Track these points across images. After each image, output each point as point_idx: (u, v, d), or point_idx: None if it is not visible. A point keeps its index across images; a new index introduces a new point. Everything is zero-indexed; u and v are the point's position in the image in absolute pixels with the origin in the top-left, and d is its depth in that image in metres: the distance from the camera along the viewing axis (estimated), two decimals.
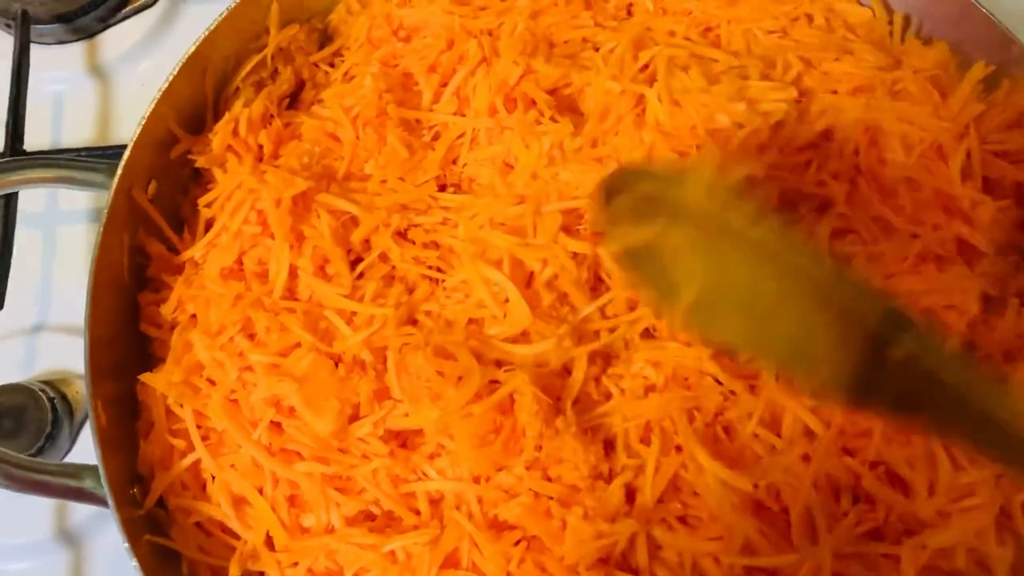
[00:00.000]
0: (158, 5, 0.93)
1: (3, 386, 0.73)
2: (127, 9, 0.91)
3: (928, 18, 0.74)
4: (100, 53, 0.91)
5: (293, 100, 0.73)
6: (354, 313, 0.61)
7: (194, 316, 0.62)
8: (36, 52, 0.88)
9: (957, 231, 0.63)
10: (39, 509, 0.71)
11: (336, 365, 0.59)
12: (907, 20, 0.74)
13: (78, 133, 0.88)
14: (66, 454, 0.74)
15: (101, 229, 0.61)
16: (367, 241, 0.64)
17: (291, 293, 0.62)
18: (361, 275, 0.63)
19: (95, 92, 0.90)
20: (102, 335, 0.61)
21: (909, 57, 0.71)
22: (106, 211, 0.61)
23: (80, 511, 0.71)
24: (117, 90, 0.90)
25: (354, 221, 0.64)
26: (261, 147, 0.68)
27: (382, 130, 0.67)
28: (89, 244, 0.81)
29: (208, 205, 0.65)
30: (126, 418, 0.61)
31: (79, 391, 0.75)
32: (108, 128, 0.88)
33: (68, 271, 0.81)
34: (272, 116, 0.69)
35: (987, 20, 0.69)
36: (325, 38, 0.76)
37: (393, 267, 0.63)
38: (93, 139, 0.87)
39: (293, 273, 0.62)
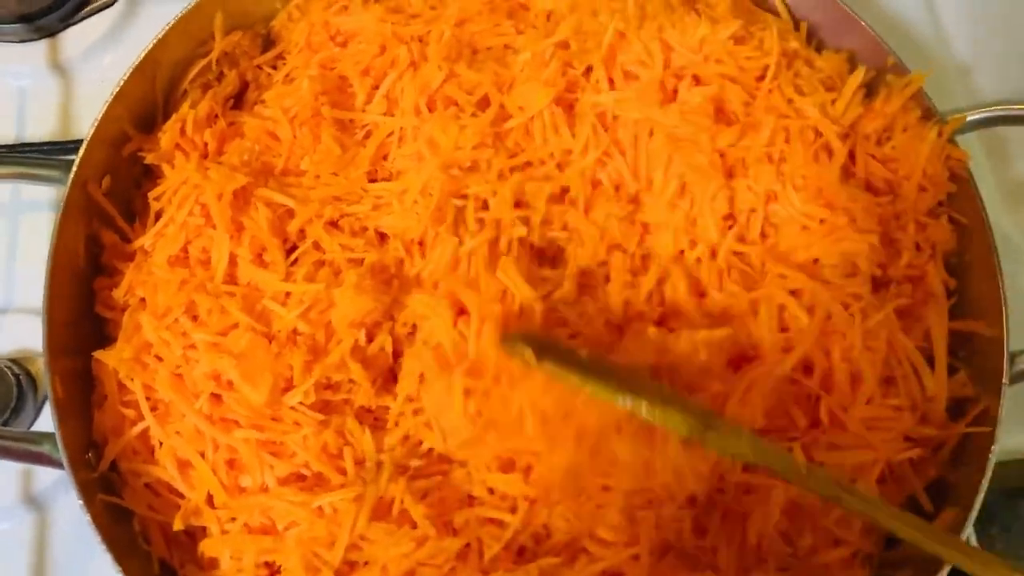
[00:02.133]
0: (117, 6, 0.97)
1: None
2: (87, 9, 0.96)
3: (820, 28, 0.81)
4: (62, 51, 0.96)
5: (238, 100, 0.79)
6: (288, 294, 0.67)
7: (143, 299, 0.68)
8: (0, 49, 0.93)
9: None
10: (6, 476, 0.77)
11: (270, 342, 0.65)
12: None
13: (40, 127, 0.93)
14: (30, 425, 0.80)
15: (58, 221, 0.67)
16: (302, 231, 0.70)
17: (231, 279, 0.69)
18: (295, 262, 0.69)
19: (57, 88, 0.95)
20: (60, 317, 0.67)
21: (811, 59, 0.78)
22: (62, 204, 0.67)
23: (44, 479, 0.77)
24: (78, 86, 0.95)
25: (290, 213, 0.70)
26: (207, 145, 0.74)
27: (317, 130, 0.73)
28: (51, 233, 0.87)
29: (157, 198, 0.71)
30: (82, 391, 0.68)
31: (42, 368, 0.81)
32: (69, 122, 0.93)
33: (31, 258, 0.86)
34: (217, 116, 0.75)
35: (868, 32, 0.76)
36: (268, 42, 0.82)
37: (324, 253, 0.70)
38: (55, 133, 0.92)
39: (233, 261, 0.69)
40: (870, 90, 0.76)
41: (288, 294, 0.67)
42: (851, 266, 0.70)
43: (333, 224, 0.71)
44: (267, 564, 0.63)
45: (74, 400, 0.66)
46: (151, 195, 0.72)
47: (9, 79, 0.94)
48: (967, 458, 0.66)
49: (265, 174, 0.72)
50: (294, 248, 0.70)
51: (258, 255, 0.69)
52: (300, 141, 0.73)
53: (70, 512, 0.77)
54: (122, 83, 0.72)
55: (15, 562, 0.76)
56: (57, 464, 0.62)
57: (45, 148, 0.87)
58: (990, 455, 0.64)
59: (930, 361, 0.69)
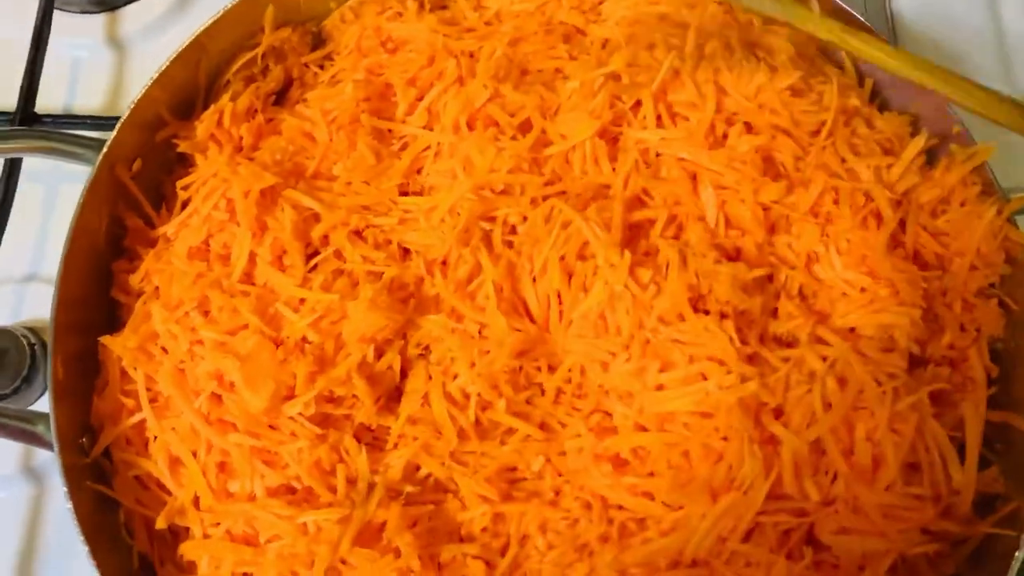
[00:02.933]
0: None
1: None
2: None
3: (886, 86, 0.77)
4: (121, 26, 0.97)
5: (280, 97, 0.78)
6: (302, 300, 0.66)
7: (157, 288, 0.67)
8: (61, 18, 0.94)
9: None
10: (7, 446, 0.77)
11: (277, 347, 0.64)
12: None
13: (90, 99, 0.93)
14: (39, 396, 0.80)
15: (81, 199, 0.67)
16: (325, 237, 0.69)
17: (248, 278, 0.67)
18: (314, 268, 0.68)
19: (111, 63, 0.96)
20: (73, 296, 0.67)
21: (872, 119, 0.74)
22: (87, 185, 0.67)
23: (44, 453, 0.77)
24: (132, 63, 0.96)
25: (316, 218, 0.69)
26: (242, 139, 0.73)
27: (354, 136, 0.72)
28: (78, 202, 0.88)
29: (185, 187, 0.71)
30: (88, 373, 0.67)
31: None
32: (119, 99, 0.94)
33: (63, 228, 0.86)
34: (256, 111, 0.74)
35: (935, 96, 0.72)
36: (318, 41, 0.81)
37: (344, 263, 0.68)
38: (103, 108, 0.93)
39: (252, 260, 0.67)
40: (930, 157, 0.73)
41: (302, 300, 0.66)
42: (889, 340, 0.66)
43: (357, 234, 0.70)
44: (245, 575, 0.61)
45: (76, 382, 0.66)
46: (179, 184, 0.71)
47: (66, 48, 0.95)
48: (989, 560, 0.62)
49: (296, 175, 0.71)
50: (315, 254, 0.69)
51: (278, 257, 0.68)
52: (335, 145, 0.72)
53: None
54: (165, 67, 0.71)
55: (6, 533, 0.76)
56: (48, 446, 0.61)
57: (88, 122, 0.87)
58: (1014, 561, 0.60)
59: (961, 450, 0.65)
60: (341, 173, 0.71)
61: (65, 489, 0.60)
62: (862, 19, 0.77)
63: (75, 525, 0.59)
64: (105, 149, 0.67)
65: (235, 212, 0.68)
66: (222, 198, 0.68)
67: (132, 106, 0.69)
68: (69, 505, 0.59)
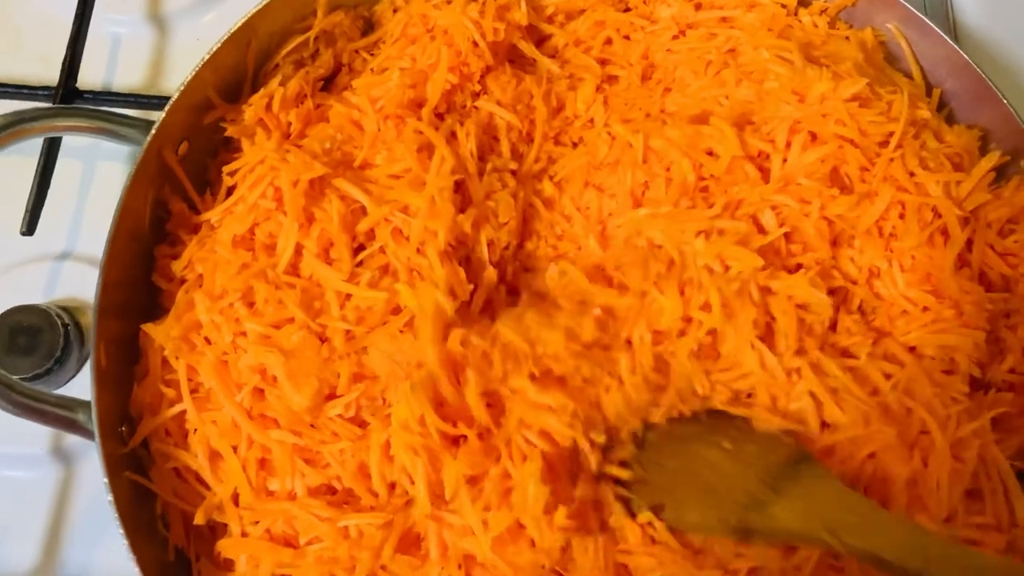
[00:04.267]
0: None
1: (23, 306, 0.78)
2: None
3: (954, 97, 0.75)
4: (162, 3, 0.95)
5: (328, 83, 0.76)
6: (348, 296, 0.64)
7: (201, 276, 0.66)
8: None
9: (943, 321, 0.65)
10: (39, 426, 0.75)
11: (322, 343, 0.62)
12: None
13: (128, 77, 0.92)
14: (72, 377, 0.79)
15: (128, 183, 0.65)
16: (372, 231, 0.67)
17: (294, 269, 0.66)
18: (360, 263, 0.66)
19: (151, 40, 0.94)
20: (116, 279, 0.65)
21: (941, 131, 0.72)
22: (135, 166, 0.65)
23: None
24: (172, 42, 0.94)
25: (363, 211, 0.67)
26: (290, 124, 0.71)
27: (401, 126, 0.69)
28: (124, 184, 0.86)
29: (231, 173, 0.69)
30: (126, 359, 0.66)
31: (91, 321, 0.80)
32: (158, 77, 0.92)
33: (101, 206, 0.85)
34: (305, 96, 0.72)
35: (1007, 110, 0.70)
36: (369, 26, 0.79)
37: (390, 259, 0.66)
38: (142, 85, 0.91)
39: (299, 252, 0.65)
40: (1000, 174, 0.70)
41: (348, 296, 0.64)
42: (949, 362, 0.65)
43: (400, 232, 0.67)
44: None
45: (116, 368, 0.64)
46: (226, 169, 0.69)
47: (106, 24, 0.93)
48: None
49: (344, 165, 0.69)
50: (361, 248, 0.67)
51: (324, 249, 0.66)
52: (383, 135, 0.70)
53: (96, 473, 0.75)
54: (216, 48, 0.69)
55: (33, 513, 0.75)
56: (88, 435, 0.60)
57: (131, 100, 0.85)
58: None
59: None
60: (382, 163, 0.69)
61: (105, 480, 0.58)
62: (914, 9, 0.75)
63: (115, 517, 0.58)
64: (154, 130, 0.65)
65: (282, 201, 0.66)
66: (269, 186, 0.66)
67: (182, 87, 0.68)
68: (110, 497, 0.58)
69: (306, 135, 0.71)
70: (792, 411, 0.61)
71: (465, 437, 0.60)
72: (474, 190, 0.69)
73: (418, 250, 0.64)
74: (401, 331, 0.62)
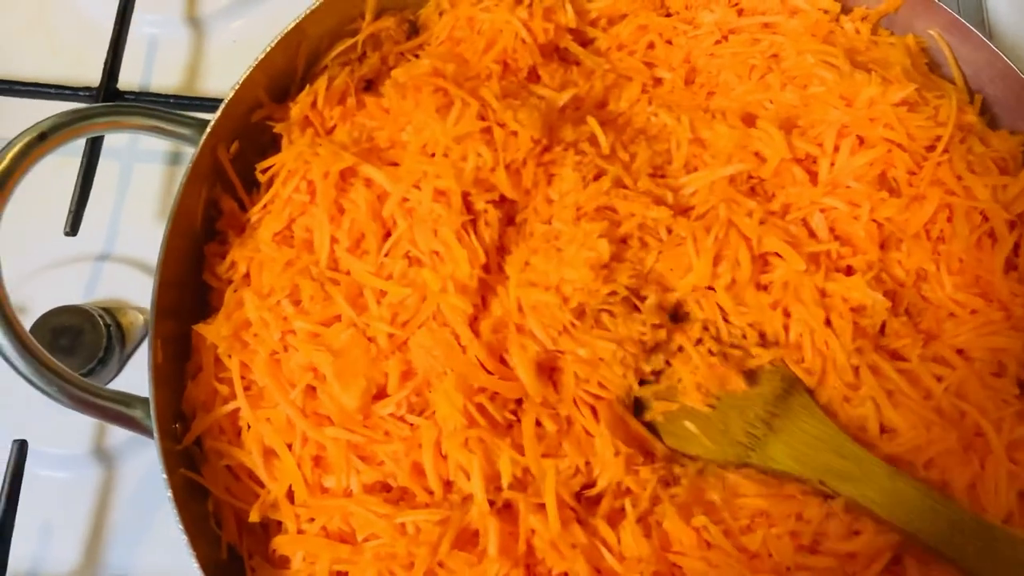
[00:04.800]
0: None
1: (65, 307, 0.78)
2: None
3: (996, 103, 0.76)
4: (199, 5, 0.95)
5: (372, 84, 0.76)
6: (384, 292, 0.64)
7: (247, 275, 0.66)
8: None
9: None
10: (81, 425, 0.76)
11: (370, 342, 0.62)
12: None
13: (166, 78, 0.92)
14: (113, 378, 0.79)
15: (184, 180, 0.65)
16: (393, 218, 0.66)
17: (336, 264, 0.66)
18: (388, 253, 0.65)
19: (187, 42, 0.94)
20: (169, 278, 0.65)
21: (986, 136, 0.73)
22: (191, 165, 0.65)
23: (116, 434, 0.76)
24: (208, 43, 0.94)
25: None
26: (335, 124, 0.71)
27: (418, 95, 0.69)
28: (162, 184, 0.86)
29: (264, 171, 0.69)
30: (178, 357, 0.66)
31: (133, 321, 0.80)
32: (195, 78, 0.93)
33: (139, 207, 0.86)
34: (349, 94, 0.72)
35: None
36: (414, 30, 0.79)
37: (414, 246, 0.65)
38: (179, 87, 0.92)
39: (335, 244, 0.66)
40: None
41: (383, 293, 0.64)
42: (998, 364, 0.65)
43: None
44: (339, 573, 0.60)
45: (169, 366, 0.64)
46: (259, 167, 0.69)
47: (143, 25, 0.93)
48: None
49: (374, 153, 0.69)
50: (389, 235, 0.66)
51: (356, 242, 0.66)
52: (404, 107, 0.69)
53: (138, 472, 0.76)
54: (268, 50, 0.70)
55: (73, 514, 0.75)
56: (146, 431, 0.60)
57: (171, 101, 0.86)
58: None
59: None
60: (410, 137, 0.69)
61: (164, 476, 0.58)
62: (956, 15, 0.75)
63: (175, 513, 0.57)
64: (209, 129, 0.66)
65: (315, 194, 0.66)
66: (302, 180, 0.67)
67: (236, 88, 0.68)
68: (169, 494, 0.58)
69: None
70: (855, 416, 0.62)
71: (518, 419, 0.61)
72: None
73: (435, 232, 0.64)
74: (434, 318, 0.62)
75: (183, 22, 0.95)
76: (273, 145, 0.73)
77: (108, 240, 0.85)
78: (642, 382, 0.65)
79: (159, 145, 0.88)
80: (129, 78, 0.91)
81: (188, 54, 0.94)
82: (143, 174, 0.88)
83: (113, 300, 0.81)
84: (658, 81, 0.79)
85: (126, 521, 0.75)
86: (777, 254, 0.65)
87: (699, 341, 0.66)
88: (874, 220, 0.67)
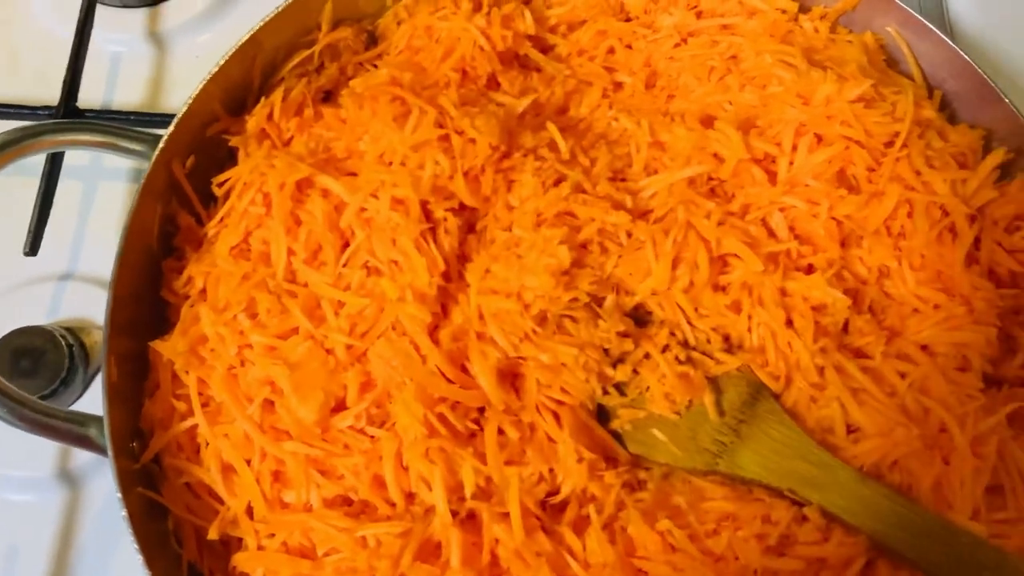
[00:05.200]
0: None
1: (26, 328, 0.77)
2: None
3: (956, 98, 0.76)
4: (161, 21, 0.95)
5: (331, 95, 0.76)
6: (342, 303, 0.63)
7: (204, 290, 0.65)
8: (101, 12, 0.92)
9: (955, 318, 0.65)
10: (44, 448, 0.75)
11: (328, 353, 0.62)
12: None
13: (128, 95, 0.92)
14: (77, 399, 0.78)
15: (137, 197, 0.64)
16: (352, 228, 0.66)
17: (294, 276, 0.65)
18: (347, 263, 0.65)
19: (151, 58, 0.94)
20: (125, 294, 0.64)
21: (945, 131, 0.73)
22: (143, 181, 0.65)
23: (81, 456, 0.75)
24: (172, 60, 0.94)
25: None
26: (292, 136, 0.71)
27: (375, 104, 0.68)
28: (126, 202, 0.85)
29: (221, 184, 0.69)
30: (136, 375, 0.65)
31: (97, 340, 0.79)
32: (158, 95, 0.92)
33: (103, 225, 0.85)
34: (307, 105, 0.72)
35: (1009, 109, 0.71)
36: (373, 40, 0.79)
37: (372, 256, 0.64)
38: (143, 104, 0.91)
39: (292, 257, 0.65)
40: (1004, 172, 0.71)
41: (341, 303, 0.63)
42: (962, 359, 0.65)
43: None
44: None
45: (126, 384, 0.63)
46: (215, 181, 0.69)
47: (105, 43, 0.93)
48: None
49: (331, 163, 0.68)
50: (348, 245, 0.66)
51: (314, 253, 0.65)
52: (361, 116, 0.69)
53: (104, 494, 0.75)
54: (222, 63, 0.69)
55: (38, 537, 0.73)
56: (101, 450, 0.59)
57: (132, 118, 0.85)
58: None
59: None
60: (368, 147, 0.68)
61: (119, 495, 0.57)
62: (914, 12, 0.75)
63: (130, 533, 0.57)
64: (162, 144, 0.65)
65: (271, 206, 0.66)
66: (258, 192, 0.66)
67: (190, 102, 0.67)
68: (124, 513, 0.57)
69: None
70: (822, 417, 0.62)
71: (480, 427, 0.61)
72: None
73: (393, 241, 0.64)
74: (393, 328, 0.62)
75: (146, 39, 0.95)
76: (231, 159, 0.72)
77: (71, 259, 0.84)
78: (607, 392, 0.65)
79: (123, 163, 0.87)
80: (92, 96, 0.90)
81: (151, 70, 0.94)
82: (107, 192, 0.87)
83: (76, 319, 0.80)
84: (618, 86, 0.78)
85: (92, 543, 0.74)
86: (736, 255, 0.65)
87: (666, 348, 0.65)
88: (833, 218, 0.66)
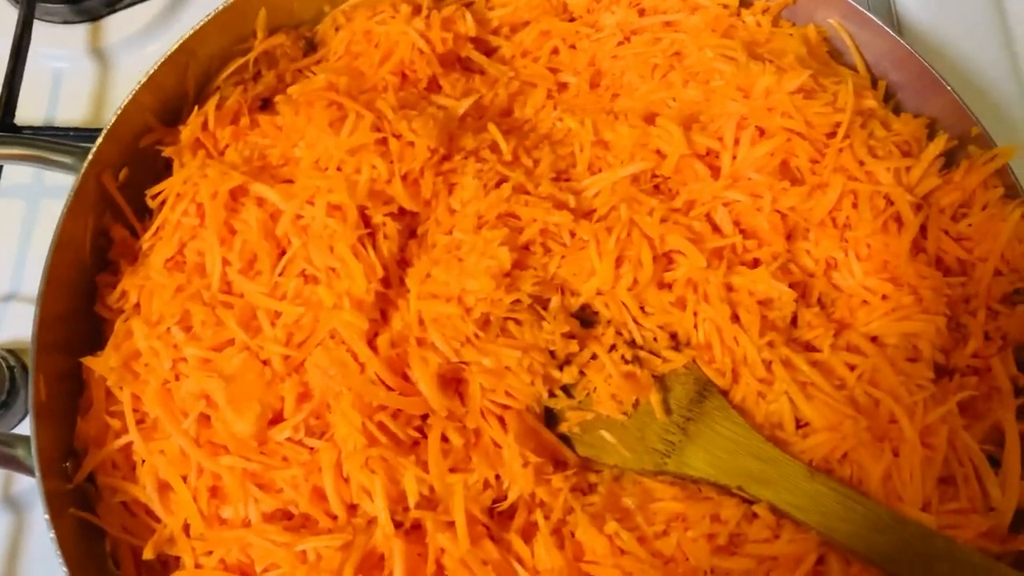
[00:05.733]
0: None
1: None
2: None
3: (900, 89, 0.75)
4: (103, 36, 0.93)
5: (269, 103, 0.74)
6: (279, 313, 0.62)
7: (138, 305, 0.64)
8: (41, 29, 0.90)
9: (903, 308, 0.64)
10: None
11: (265, 365, 0.60)
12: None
13: (72, 112, 0.90)
14: (19, 422, 0.76)
15: (64, 211, 0.63)
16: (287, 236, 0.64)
17: (229, 288, 0.64)
18: (283, 272, 0.63)
19: (94, 74, 0.92)
20: (56, 311, 0.63)
21: (888, 120, 0.72)
22: (71, 194, 0.63)
23: (23, 481, 0.73)
24: (116, 74, 0.93)
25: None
26: (227, 146, 0.70)
27: (311, 110, 0.67)
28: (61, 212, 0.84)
29: (154, 196, 0.67)
30: (72, 394, 0.63)
31: None
32: (102, 110, 0.90)
33: (45, 244, 0.82)
34: (243, 114, 0.71)
35: (952, 98, 0.71)
36: (311, 46, 0.78)
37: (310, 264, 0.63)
38: (86, 120, 0.89)
39: (227, 268, 0.64)
40: (949, 160, 0.70)
41: (278, 313, 0.62)
42: (912, 349, 0.64)
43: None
44: None
45: (60, 403, 0.62)
46: (149, 193, 0.67)
47: (47, 60, 0.92)
48: None
49: (265, 171, 0.67)
50: (284, 254, 0.64)
51: (249, 263, 0.64)
52: (297, 123, 0.68)
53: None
54: (152, 71, 0.68)
55: None
56: (28, 471, 0.57)
57: (71, 134, 0.83)
58: None
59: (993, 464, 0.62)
60: (303, 153, 0.67)
61: (47, 517, 0.56)
62: (855, 4, 0.75)
63: (58, 555, 0.55)
64: (91, 156, 0.64)
65: (205, 216, 0.64)
66: (191, 203, 0.65)
67: (119, 112, 0.66)
68: (52, 534, 0.55)
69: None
70: (770, 412, 0.61)
71: (424, 435, 0.59)
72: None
73: (330, 248, 0.62)
74: (332, 337, 0.60)
75: (88, 54, 0.93)
76: (167, 170, 0.71)
77: (13, 279, 0.82)
78: (554, 395, 0.63)
79: (66, 180, 0.85)
80: (33, 113, 0.89)
81: (94, 86, 0.92)
82: (49, 210, 0.85)
83: (17, 341, 0.79)
84: (563, 86, 0.78)
85: (37, 568, 0.72)
86: (680, 252, 0.64)
87: (612, 347, 0.64)
88: (778, 211, 0.66)
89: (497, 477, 0.60)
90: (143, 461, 0.60)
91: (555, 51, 0.79)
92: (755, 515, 0.59)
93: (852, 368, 0.62)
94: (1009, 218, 0.66)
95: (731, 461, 0.60)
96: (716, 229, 0.67)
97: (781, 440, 0.61)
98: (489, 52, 0.79)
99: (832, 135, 0.67)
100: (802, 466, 0.59)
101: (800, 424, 0.61)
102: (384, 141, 0.65)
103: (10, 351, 0.77)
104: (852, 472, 0.59)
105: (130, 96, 0.67)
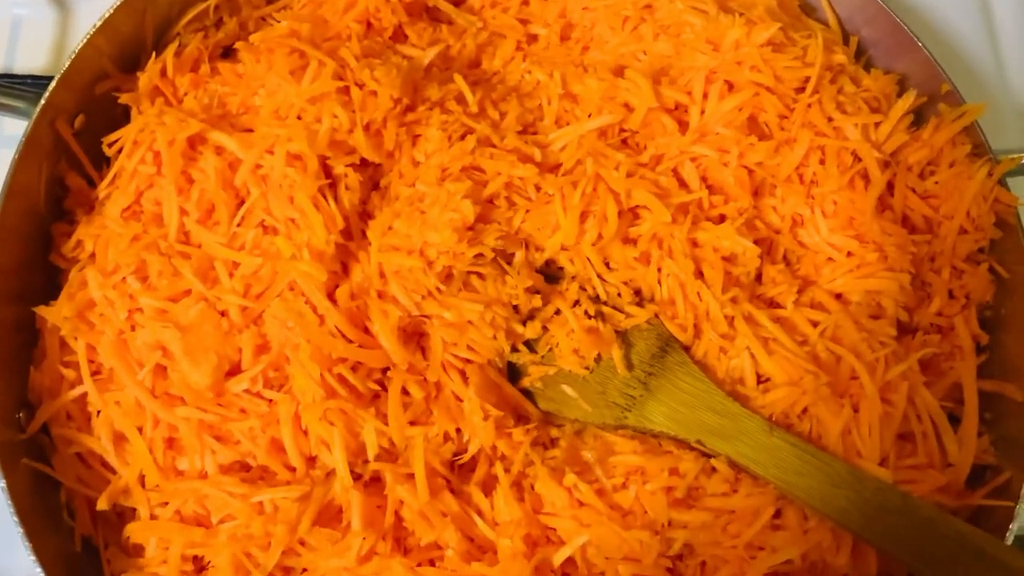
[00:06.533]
0: None
1: None
2: None
3: (872, 45, 0.74)
4: None
5: (230, 50, 0.72)
6: (237, 264, 0.61)
7: (94, 254, 0.62)
8: None
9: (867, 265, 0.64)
10: None
11: (223, 316, 0.59)
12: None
13: (32, 59, 0.87)
14: None
15: (16, 156, 0.61)
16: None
17: (187, 238, 0.63)
18: (241, 223, 0.62)
19: (54, 21, 0.90)
20: (9, 261, 0.61)
21: (858, 76, 0.71)
22: (23, 139, 0.62)
23: None
24: (76, 22, 0.90)
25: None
26: (186, 93, 0.68)
27: (272, 57, 0.65)
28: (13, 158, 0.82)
29: (111, 145, 0.66)
30: (26, 344, 0.62)
31: None
32: (63, 58, 0.87)
33: None
34: (203, 61, 0.69)
35: (923, 55, 0.70)
36: None
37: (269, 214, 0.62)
38: (46, 67, 0.87)
39: (185, 217, 0.62)
40: (918, 117, 0.70)
41: (236, 264, 0.61)
42: (876, 306, 0.64)
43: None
44: (195, 558, 0.57)
45: (13, 353, 0.61)
46: (105, 141, 0.66)
47: (6, 5, 0.89)
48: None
49: (225, 119, 0.66)
50: (243, 204, 0.63)
51: (207, 212, 0.63)
52: (257, 71, 0.66)
53: None
54: (108, 15, 0.66)
55: None
56: None
57: (29, 81, 0.81)
58: (1008, 532, 0.58)
59: (952, 421, 0.62)
60: (263, 102, 0.65)
61: None
62: None
63: (8, 506, 0.54)
64: (43, 100, 0.62)
65: (162, 165, 0.63)
66: (148, 151, 0.63)
67: (73, 56, 0.64)
68: (2, 483, 0.54)
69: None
70: (732, 368, 0.61)
71: (385, 388, 0.59)
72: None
73: (290, 199, 0.61)
74: (291, 288, 0.59)
75: (49, 2, 0.90)
76: (126, 118, 0.69)
77: None
78: (517, 349, 0.63)
79: (15, 130, 0.84)
80: None
81: (54, 34, 0.90)
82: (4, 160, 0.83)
83: None
84: (533, 38, 0.76)
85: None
86: (646, 207, 0.63)
87: (576, 303, 0.64)
88: (744, 166, 0.65)
89: (458, 430, 0.60)
90: (98, 412, 0.59)
91: (525, 2, 0.77)
92: (714, 469, 0.59)
93: (815, 324, 0.62)
94: (975, 176, 0.65)
95: (691, 415, 0.60)
96: (683, 184, 0.66)
97: (742, 395, 0.61)
98: (457, 2, 0.78)
99: (801, 90, 0.66)
100: (761, 421, 0.59)
101: (761, 379, 0.61)
102: (346, 90, 0.64)
103: None
104: (811, 427, 0.59)
105: (84, 40, 0.65)
